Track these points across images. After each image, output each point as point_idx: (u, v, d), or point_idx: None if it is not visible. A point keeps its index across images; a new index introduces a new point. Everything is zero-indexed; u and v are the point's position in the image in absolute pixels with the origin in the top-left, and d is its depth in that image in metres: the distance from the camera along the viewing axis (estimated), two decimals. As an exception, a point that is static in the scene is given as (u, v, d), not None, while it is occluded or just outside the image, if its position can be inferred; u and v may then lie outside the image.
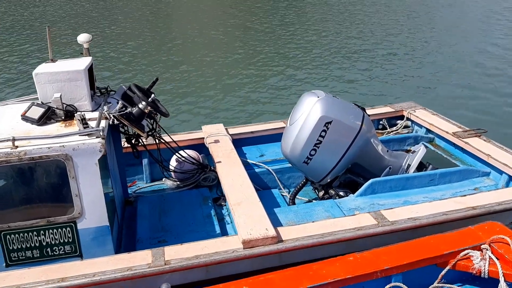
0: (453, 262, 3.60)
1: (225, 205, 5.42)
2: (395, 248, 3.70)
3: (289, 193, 5.66)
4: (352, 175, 5.52)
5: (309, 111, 4.97)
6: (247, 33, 18.42)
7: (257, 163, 5.86)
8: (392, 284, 3.51)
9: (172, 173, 5.87)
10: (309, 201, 5.55)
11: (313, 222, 4.38)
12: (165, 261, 3.83)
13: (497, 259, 3.51)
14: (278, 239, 4.04)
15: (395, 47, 15.57)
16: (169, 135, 5.63)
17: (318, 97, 5.03)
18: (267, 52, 15.32)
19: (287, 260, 4.10)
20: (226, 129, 6.34)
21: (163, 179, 5.96)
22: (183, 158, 5.67)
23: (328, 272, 3.42)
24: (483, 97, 10.94)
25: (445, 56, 14.26)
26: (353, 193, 5.20)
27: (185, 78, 12.86)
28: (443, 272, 3.56)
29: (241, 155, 5.84)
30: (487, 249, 3.61)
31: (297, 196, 5.50)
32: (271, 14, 21.92)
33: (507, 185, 5.16)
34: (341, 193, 5.30)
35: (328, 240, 4.09)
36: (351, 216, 4.46)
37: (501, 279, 3.38)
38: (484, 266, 3.53)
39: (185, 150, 5.75)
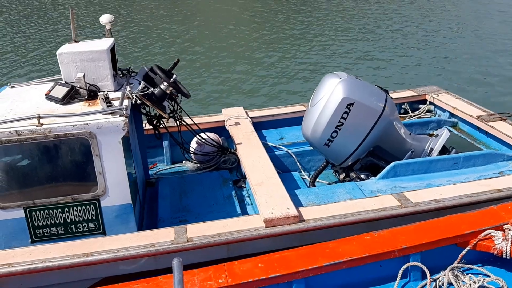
0: (474, 242, 3.53)
1: (245, 187, 5.42)
2: (413, 227, 3.64)
3: (309, 176, 5.64)
4: (373, 158, 5.46)
5: (331, 92, 4.92)
6: (269, 16, 18.29)
7: (277, 145, 5.84)
8: (410, 263, 3.46)
9: (193, 155, 5.89)
10: (330, 184, 5.52)
11: (334, 202, 4.36)
12: (188, 238, 3.86)
13: None
14: (299, 218, 4.04)
15: (418, 31, 15.30)
16: (190, 117, 5.64)
17: (340, 78, 4.97)
18: (288, 35, 15.21)
19: (308, 240, 4.07)
20: (246, 112, 6.33)
21: (184, 161, 5.99)
22: (204, 141, 5.68)
23: (345, 251, 3.39)
24: (508, 80, 10.70)
25: (467, 40, 13.99)
26: (375, 176, 5.14)
27: (205, 61, 12.87)
28: (463, 252, 3.50)
29: (261, 138, 5.83)
30: (510, 229, 3.52)
31: (317, 179, 5.48)
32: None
33: (533, 169, 5.05)
34: (363, 176, 5.25)
35: (350, 220, 4.07)
36: (374, 197, 4.43)
37: None
38: (506, 246, 3.45)
39: (205, 133, 5.76)
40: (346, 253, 3.36)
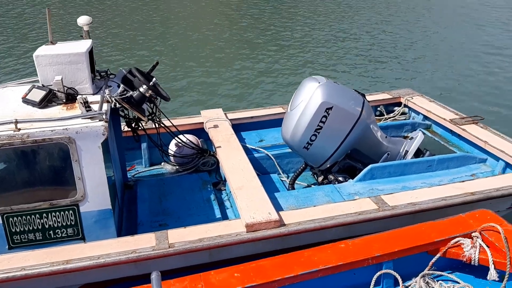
0: (444, 250, 3.61)
1: (225, 189, 5.44)
2: (386, 235, 3.70)
3: (288, 178, 5.69)
4: (351, 160, 5.56)
5: (310, 96, 4.98)
6: (247, 18, 18.28)
7: (256, 148, 5.88)
8: (383, 271, 3.52)
9: (171, 158, 5.87)
10: (308, 186, 5.59)
11: (314, 206, 4.42)
12: (169, 244, 3.85)
13: (488, 247, 3.53)
14: (280, 223, 4.08)
15: (393, 35, 15.56)
16: (169, 119, 5.62)
17: (319, 82, 5.04)
18: (267, 38, 15.23)
19: (289, 244, 4.14)
20: (225, 114, 6.33)
21: (162, 163, 5.96)
22: (183, 143, 5.66)
23: (320, 259, 3.42)
24: (480, 84, 11.03)
25: (442, 45, 14.31)
26: (352, 178, 5.24)
27: (184, 63, 12.77)
28: (433, 260, 3.58)
29: (241, 140, 5.85)
30: (477, 237, 3.63)
31: (296, 181, 5.53)
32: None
33: (503, 172, 5.23)
34: (340, 178, 5.34)
35: (330, 224, 4.14)
36: (352, 201, 4.51)
37: (491, 267, 3.42)
38: (475, 254, 3.54)
39: (184, 135, 5.74)
40: (321, 262, 3.39)
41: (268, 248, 4.10)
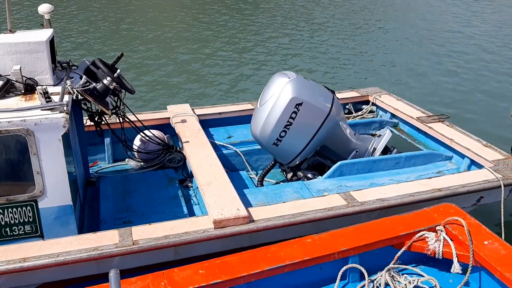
0: (409, 243, 3.63)
1: (192, 186, 5.31)
2: (352, 229, 3.69)
3: (257, 175, 5.61)
4: (320, 157, 5.54)
5: (280, 92, 4.92)
6: (216, 11, 18.12)
7: (224, 144, 5.77)
8: (349, 265, 3.51)
9: (136, 153, 5.69)
10: (277, 183, 5.52)
11: (283, 202, 4.36)
12: (133, 241, 3.70)
13: (451, 240, 3.57)
14: (249, 219, 4.00)
15: (362, 34, 15.74)
16: (133, 114, 5.44)
17: (289, 78, 4.98)
18: (235, 33, 15.14)
19: (258, 240, 4.06)
20: (192, 109, 6.20)
21: (127, 159, 5.77)
22: (148, 138, 5.49)
23: (286, 254, 3.37)
24: (446, 83, 11.27)
25: (408, 44, 14.57)
26: (321, 175, 5.21)
27: (151, 55, 12.52)
28: (398, 253, 3.59)
29: (209, 136, 5.73)
30: (441, 231, 3.66)
31: (265, 178, 5.46)
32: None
33: (468, 169, 5.32)
34: (310, 175, 5.30)
35: (299, 220, 4.09)
36: (322, 197, 4.47)
37: (455, 260, 3.45)
38: (439, 247, 3.57)
39: (150, 130, 5.58)
40: (288, 257, 3.35)
41: (237, 245, 4.00)
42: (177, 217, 4.44)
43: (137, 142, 5.64)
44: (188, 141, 5.24)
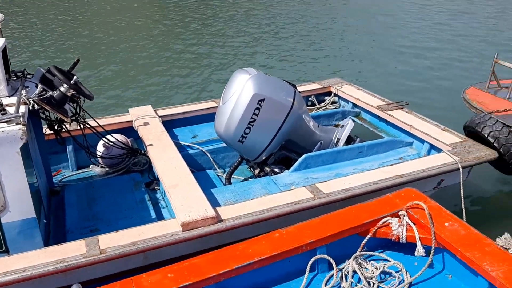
0: (374, 230, 3.72)
1: (159, 189, 5.28)
2: (318, 221, 3.74)
3: (224, 173, 5.62)
4: (286, 151, 5.58)
5: (242, 89, 4.93)
6: (173, 11, 17.90)
7: (190, 144, 5.75)
8: (317, 256, 3.57)
9: (100, 159, 5.59)
10: (245, 179, 5.55)
11: (251, 199, 4.38)
12: (101, 250, 3.65)
13: (414, 224, 3.68)
14: (218, 219, 4.01)
15: (320, 28, 15.89)
16: (94, 119, 5.35)
17: (250, 74, 4.99)
18: (194, 33, 15.00)
19: (227, 239, 4.08)
20: (155, 110, 6.14)
21: (91, 166, 5.67)
22: (111, 143, 5.41)
23: (255, 251, 3.40)
24: (404, 72, 11.55)
25: (367, 36, 14.81)
26: (288, 169, 5.26)
27: (108, 59, 12.27)
28: (364, 241, 3.67)
29: (173, 137, 5.70)
30: (404, 215, 3.76)
31: (233, 176, 5.47)
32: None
33: (428, 153, 5.49)
34: (276, 170, 5.35)
35: (267, 216, 4.12)
36: (288, 191, 4.52)
37: (418, 243, 3.56)
38: (402, 232, 3.67)
39: (112, 135, 5.50)
40: (256, 253, 3.37)
41: (206, 246, 4.01)
42: (145, 222, 4.40)
43: (100, 147, 5.55)
44: (151, 144, 5.20)
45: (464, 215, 4.61)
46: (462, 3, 19.65)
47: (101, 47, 13.29)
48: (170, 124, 6.03)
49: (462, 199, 4.72)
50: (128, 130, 5.87)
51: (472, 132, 5.66)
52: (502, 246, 3.31)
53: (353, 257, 3.61)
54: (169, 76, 11.11)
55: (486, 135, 5.40)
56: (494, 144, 5.33)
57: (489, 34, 15.07)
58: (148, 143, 5.25)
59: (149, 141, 5.30)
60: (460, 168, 4.82)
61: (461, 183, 4.82)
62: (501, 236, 3.35)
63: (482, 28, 15.78)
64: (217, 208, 4.16)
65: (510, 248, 3.27)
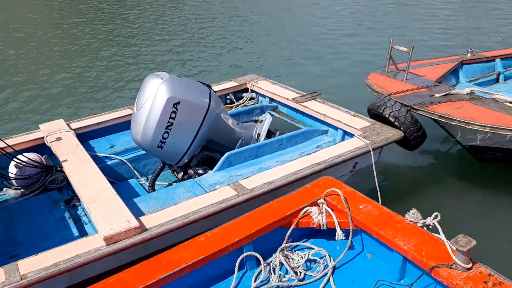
0: (296, 221, 3.85)
1: (80, 205, 5.10)
2: (243, 219, 3.80)
3: (147, 181, 5.54)
4: (208, 151, 5.60)
5: (155, 93, 4.87)
6: (77, 21, 17.16)
7: (108, 155, 5.59)
8: (245, 254, 3.63)
9: (13, 181, 5.29)
10: (170, 184, 5.51)
11: (175, 204, 4.36)
12: (21, 276, 3.47)
13: (332, 210, 3.85)
14: (142, 228, 3.95)
15: (226, 24, 15.99)
16: (1, 140, 5.05)
17: (162, 78, 4.95)
18: (100, 39, 14.47)
19: (155, 248, 4.05)
20: (67, 124, 5.89)
21: (4, 189, 5.34)
22: (23, 163, 5.14)
23: (181, 258, 3.39)
24: (313, 63, 11.96)
25: (278, 33, 15.11)
26: (212, 169, 5.29)
27: (10, 73, 11.52)
28: (288, 232, 3.79)
29: (89, 149, 5.51)
30: (322, 203, 3.93)
31: (156, 182, 5.41)
32: (99, 1, 20.74)
33: (342, 139, 5.77)
34: (200, 171, 5.36)
35: (193, 219, 4.13)
36: (212, 192, 4.55)
37: (337, 228, 3.76)
38: (322, 219, 3.84)
39: (23, 154, 5.21)
40: (183, 260, 3.37)
41: (133, 257, 3.95)
42: (68, 240, 4.23)
43: (12, 169, 5.24)
44: (66, 160, 5.00)
45: (378, 193, 4.89)
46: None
47: (4, 63, 12.46)
48: (85, 136, 5.83)
49: (376, 179, 5.01)
50: (41, 147, 5.60)
51: (375, 115, 6.02)
52: (411, 221, 3.56)
53: (279, 249, 3.72)
54: (80, 87, 10.61)
55: (387, 116, 5.78)
56: (395, 123, 5.72)
57: (390, 23, 16.01)
58: (63, 159, 5.04)
59: (63, 156, 5.09)
60: (371, 150, 5.12)
61: (373, 164, 5.12)
62: (409, 212, 3.60)
63: (384, 18, 16.74)
64: (141, 218, 4.10)
65: (418, 222, 3.52)
